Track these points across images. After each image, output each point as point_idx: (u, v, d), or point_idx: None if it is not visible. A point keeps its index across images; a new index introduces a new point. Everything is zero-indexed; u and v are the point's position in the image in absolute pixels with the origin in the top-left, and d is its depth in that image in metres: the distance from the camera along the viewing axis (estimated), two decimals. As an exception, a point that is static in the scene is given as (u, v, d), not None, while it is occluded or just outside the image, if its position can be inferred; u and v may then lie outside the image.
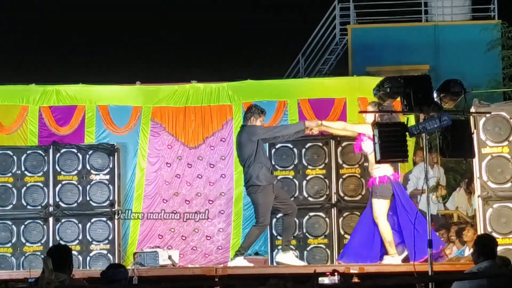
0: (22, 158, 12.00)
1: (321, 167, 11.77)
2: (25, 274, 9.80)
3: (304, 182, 11.80)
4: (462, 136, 8.84)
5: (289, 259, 10.52)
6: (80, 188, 11.97)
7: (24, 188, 11.96)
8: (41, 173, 11.99)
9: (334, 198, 11.72)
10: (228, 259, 11.52)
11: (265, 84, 12.93)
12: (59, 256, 7.17)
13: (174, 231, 12.41)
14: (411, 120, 10.52)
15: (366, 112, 10.06)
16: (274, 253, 11.38)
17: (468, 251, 10.51)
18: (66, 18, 23.25)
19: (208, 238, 12.41)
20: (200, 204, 12.47)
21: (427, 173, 8.68)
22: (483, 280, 7.39)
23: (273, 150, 11.73)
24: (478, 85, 15.94)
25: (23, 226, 11.89)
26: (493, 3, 20.34)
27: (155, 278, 10.00)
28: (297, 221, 11.56)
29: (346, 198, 11.60)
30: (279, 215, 11.20)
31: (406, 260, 10.14)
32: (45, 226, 11.89)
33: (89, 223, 11.91)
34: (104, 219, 11.94)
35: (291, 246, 11.16)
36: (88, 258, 11.85)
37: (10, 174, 12.00)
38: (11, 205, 11.96)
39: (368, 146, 10.20)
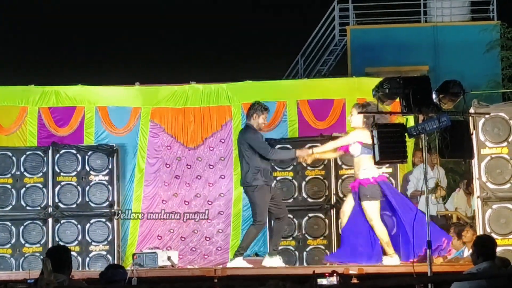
0: (22, 159, 12.00)
1: (320, 168, 11.79)
2: (24, 275, 9.82)
3: (303, 183, 11.83)
4: (461, 137, 8.84)
5: (275, 264, 10.43)
6: (80, 189, 11.97)
7: (24, 189, 11.96)
8: (41, 174, 11.99)
9: (333, 199, 11.75)
10: (228, 260, 11.51)
11: (264, 85, 12.92)
12: (58, 257, 7.16)
13: (173, 232, 12.40)
14: (410, 121, 10.55)
15: (365, 113, 10.02)
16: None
17: (467, 251, 10.51)
18: (66, 18, 23.22)
19: (207, 239, 12.40)
20: (200, 205, 12.47)
21: (426, 174, 8.67)
22: (483, 281, 7.38)
23: (272, 151, 11.72)
24: (477, 86, 15.95)
25: (22, 227, 11.89)
26: (492, 4, 20.29)
27: (154, 279, 9.98)
28: (296, 221, 11.55)
29: (345, 199, 11.58)
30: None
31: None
32: (44, 227, 11.89)
33: (88, 224, 11.92)
34: (103, 220, 11.95)
35: (280, 248, 11.00)
36: (87, 259, 11.85)
37: (9, 175, 12.00)
38: (11, 206, 11.96)
39: (356, 149, 10.13)
